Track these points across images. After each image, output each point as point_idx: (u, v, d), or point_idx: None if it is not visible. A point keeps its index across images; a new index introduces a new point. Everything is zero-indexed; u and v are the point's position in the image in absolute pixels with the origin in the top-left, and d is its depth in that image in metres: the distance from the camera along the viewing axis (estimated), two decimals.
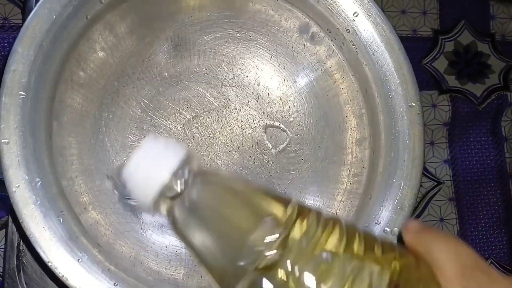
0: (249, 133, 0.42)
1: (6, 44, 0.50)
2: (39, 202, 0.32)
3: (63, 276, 0.32)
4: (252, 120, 0.42)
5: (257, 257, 0.21)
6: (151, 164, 0.24)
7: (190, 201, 0.23)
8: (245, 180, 0.27)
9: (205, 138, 0.41)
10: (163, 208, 0.23)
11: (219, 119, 0.41)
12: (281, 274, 0.21)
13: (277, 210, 0.22)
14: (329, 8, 0.38)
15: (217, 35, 0.41)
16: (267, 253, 0.21)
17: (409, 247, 0.23)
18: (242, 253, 0.21)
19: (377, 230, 0.36)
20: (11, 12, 0.50)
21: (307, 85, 0.42)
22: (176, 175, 0.23)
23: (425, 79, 0.60)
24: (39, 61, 0.33)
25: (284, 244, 0.21)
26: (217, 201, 0.24)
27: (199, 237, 0.23)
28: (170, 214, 0.23)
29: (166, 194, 0.23)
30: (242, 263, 0.21)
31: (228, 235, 0.23)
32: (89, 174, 0.38)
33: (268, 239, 0.21)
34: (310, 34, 0.41)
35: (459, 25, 0.61)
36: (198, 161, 0.24)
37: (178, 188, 0.23)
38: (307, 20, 0.40)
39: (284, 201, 0.23)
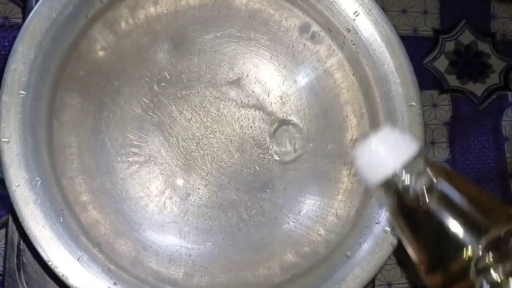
0: (249, 133, 0.42)
1: (6, 43, 0.50)
2: (39, 201, 0.32)
3: (63, 275, 0.32)
4: (252, 119, 0.42)
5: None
6: (386, 151, 0.26)
7: (418, 195, 0.25)
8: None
9: (205, 137, 0.41)
10: (386, 192, 0.26)
11: (220, 118, 0.41)
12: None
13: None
14: (329, 8, 0.38)
15: (218, 34, 0.41)
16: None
17: None
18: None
19: (377, 230, 0.36)
20: (12, 11, 0.50)
21: (307, 84, 0.42)
22: (406, 168, 0.25)
23: (426, 79, 0.60)
24: (39, 60, 0.33)
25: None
26: (448, 204, 0.25)
27: (423, 229, 0.25)
28: (394, 201, 0.26)
29: (393, 182, 0.26)
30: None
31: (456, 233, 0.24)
32: (89, 173, 0.38)
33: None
34: (310, 34, 0.41)
35: (460, 25, 0.61)
36: (427, 160, 0.27)
37: (407, 181, 0.25)
38: (308, 19, 0.40)
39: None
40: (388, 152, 0.26)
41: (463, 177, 0.27)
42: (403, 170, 0.25)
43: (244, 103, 0.42)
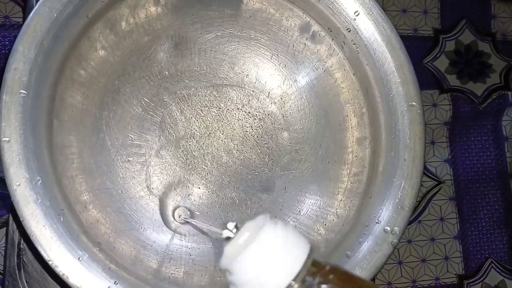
0: (249, 132, 0.42)
1: (7, 43, 0.50)
2: (39, 200, 0.32)
3: (63, 274, 0.32)
4: (252, 119, 0.42)
5: None
6: (269, 263, 0.21)
7: None
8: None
9: (205, 137, 0.41)
10: None
11: (220, 118, 0.41)
12: None
13: None
14: (330, 7, 0.38)
15: (218, 33, 0.41)
16: None
17: None
18: None
19: (377, 229, 0.36)
20: (12, 11, 0.50)
21: (307, 84, 0.42)
22: (298, 279, 0.21)
23: (426, 78, 0.60)
24: (39, 59, 0.33)
25: None
26: None
27: None
28: None
29: None
30: None
31: None
32: (89, 172, 0.38)
33: None
34: (311, 33, 0.41)
35: (460, 25, 0.61)
36: (325, 262, 0.22)
37: None
38: (308, 19, 0.40)
39: None
40: (274, 262, 0.21)
41: (352, 275, 0.23)
42: (296, 283, 0.21)
43: (245, 102, 0.42)
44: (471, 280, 0.60)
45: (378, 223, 0.36)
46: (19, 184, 0.32)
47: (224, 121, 0.41)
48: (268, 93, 0.42)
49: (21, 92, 0.32)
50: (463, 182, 0.61)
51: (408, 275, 0.59)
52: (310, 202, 0.41)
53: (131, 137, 0.40)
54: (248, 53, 0.42)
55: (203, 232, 0.39)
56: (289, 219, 0.41)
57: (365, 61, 0.38)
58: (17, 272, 0.39)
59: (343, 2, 0.37)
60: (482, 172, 0.61)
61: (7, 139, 0.32)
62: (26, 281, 0.39)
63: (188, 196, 0.40)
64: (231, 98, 0.42)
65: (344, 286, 0.22)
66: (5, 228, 0.47)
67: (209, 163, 0.41)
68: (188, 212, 0.40)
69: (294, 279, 0.21)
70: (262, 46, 0.42)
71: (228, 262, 0.22)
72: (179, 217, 0.39)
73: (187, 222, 0.39)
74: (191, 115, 0.41)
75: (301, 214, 0.41)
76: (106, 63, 0.39)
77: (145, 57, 0.40)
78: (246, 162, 0.41)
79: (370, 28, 0.37)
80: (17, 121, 0.32)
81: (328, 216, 0.40)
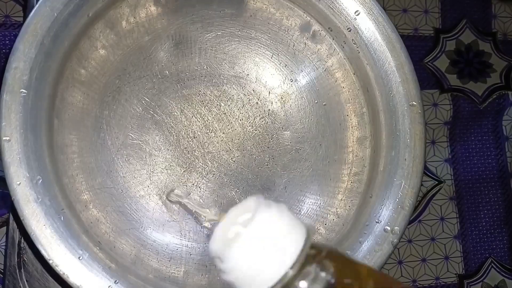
0: (250, 131, 0.42)
1: (7, 42, 0.50)
2: (40, 199, 0.32)
3: (64, 273, 0.32)
4: (253, 118, 0.42)
5: None
6: (264, 250, 0.19)
7: None
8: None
9: (206, 136, 0.41)
10: None
11: (220, 117, 0.41)
12: None
13: None
14: (330, 7, 0.38)
15: (218, 33, 0.41)
16: None
17: None
18: None
19: (377, 229, 0.36)
20: (12, 10, 0.50)
21: (308, 83, 0.42)
22: (295, 267, 0.19)
23: (426, 78, 0.60)
24: (40, 58, 0.33)
25: None
26: None
27: None
28: None
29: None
30: None
31: None
32: (90, 172, 0.38)
33: None
34: (311, 33, 0.41)
35: (461, 24, 0.61)
36: (323, 246, 0.20)
37: (300, 285, 0.19)
38: (309, 18, 0.40)
39: None
40: (269, 249, 0.19)
41: (350, 259, 0.22)
42: (294, 271, 0.19)
43: (245, 102, 0.42)
44: (471, 280, 0.60)
45: (378, 222, 0.36)
46: (20, 183, 0.32)
47: (224, 121, 0.41)
48: (268, 92, 0.42)
49: (22, 91, 0.32)
50: (463, 182, 0.61)
51: (408, 274, 0.59)
52: (311, 202, 0.41)
53: (131, 136, 0.40)
54: (249, 53, 0.42)
55: (191, 214, 0.39)
56: None
57: (365, 60, 0.38)
58: (17, 271, 0.39)
59: (344, 2, 0.37)
60: (482, 172, 0.61)
61: (7, 138, 0.32)
62: (26, 280, 0.39)
63: (188, 195, 0.40)
64: (232, 97, 0.42)
65: (344, 272, 0.20)
66: (5, 227, 0.47)
67: (209, 163, 0.41)
68: (181, 194, 0.40)
69: (291, 267, 0.19)
70: (262, 46, 0.42)
71: (219, 248, 0.20)
72: (172, 196, 0.39)
73: (179, 202, 0.39)
74: (192, 114, 0.41)
75: (302, 213, 0.41)
76: (106, 62, 0.39)
77: (146, 57, 0.40)
78: (246, 161, 0.41)
79: (370, 27, 0.37)
80: (17, 120, 0.32)
81: (329, 215, 0.40)
